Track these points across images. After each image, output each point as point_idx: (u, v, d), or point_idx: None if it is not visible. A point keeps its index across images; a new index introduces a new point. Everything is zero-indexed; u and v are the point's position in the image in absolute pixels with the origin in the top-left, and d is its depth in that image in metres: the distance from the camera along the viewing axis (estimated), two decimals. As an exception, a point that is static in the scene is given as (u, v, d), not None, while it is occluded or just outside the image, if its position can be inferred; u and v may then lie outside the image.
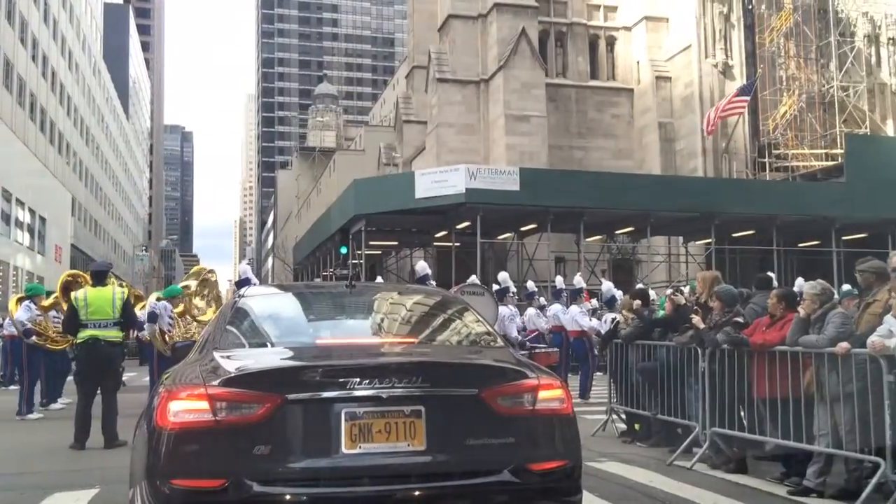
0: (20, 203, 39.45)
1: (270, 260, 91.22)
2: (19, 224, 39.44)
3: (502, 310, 11.64)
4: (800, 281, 9.32)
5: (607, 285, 13.84)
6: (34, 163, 41.95)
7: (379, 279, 24.74)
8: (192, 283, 11.79)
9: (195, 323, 11.12)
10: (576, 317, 12.63)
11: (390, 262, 39.18)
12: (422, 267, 11.62)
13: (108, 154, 70.72)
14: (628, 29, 39.21)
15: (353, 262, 29.96)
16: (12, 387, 15.69)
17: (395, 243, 35.82)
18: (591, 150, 37.71)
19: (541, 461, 3.34)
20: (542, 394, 3.41)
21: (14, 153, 38.31)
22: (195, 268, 12.66)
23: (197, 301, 11.51)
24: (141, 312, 10.78)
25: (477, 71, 36.99)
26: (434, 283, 12.43)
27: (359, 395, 3.17)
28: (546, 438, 3.43)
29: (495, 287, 12.79)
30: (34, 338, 11.07)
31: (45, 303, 11.44)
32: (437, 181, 25.84)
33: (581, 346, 12.60)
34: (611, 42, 39.80)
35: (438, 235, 30.63)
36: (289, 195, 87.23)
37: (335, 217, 32.27)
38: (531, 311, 13.91)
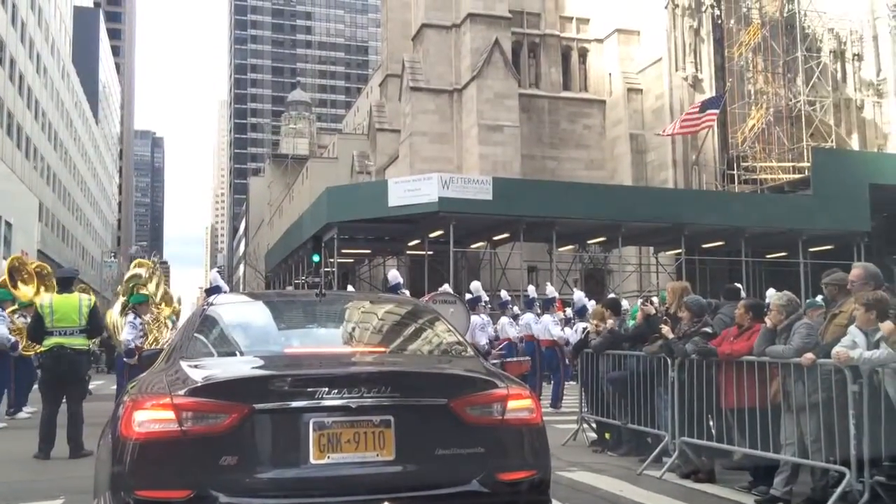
0: (-15, 208, 38.72)
1: (242, 267, 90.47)
2: (-17, 229, 38.66)
3: (474, 319, 11.67)
4: (771, 292, 9.45)
5: (578, 295, 13.95)
6: (0, 167, 41.22)
7: (351, 288, 24.67)
8: (142, 272, 11.81)
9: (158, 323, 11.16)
10: (548, 326, 12.68)
11: (363, 271, 39.06)
12: (393, 276, 11.61)
13: (77, 159, 69.70)
14: (600, 41, 39.63)
15: (326, 270, 29.78)
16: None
17: (368, 251, 35.74)
18: (564, 161, 38.01)
19: (510, 471, 3.35)
20: (512, 403, 3.42)
21: (-21, 157, 37.61)
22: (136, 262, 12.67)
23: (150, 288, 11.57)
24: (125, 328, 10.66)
25: (450, 80, 37.12)
26: (406, 291, 12.43)
27: (327, 404, 3.15)
28: (515, 448, 3.43)
29: (468, 296, 12.81)
30: (20, 347, 10.89)
31: (9, 310, 11.24)
32: (410, 190, 25.87)
33: (553, 356, 12.66)
34: (583, 54, 40.19)
35: (411, 244, 30.62)
36: (261, 202, 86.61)
37: (308, 224, 32.11)
38: (504, 319, 13.95)
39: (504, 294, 15.20)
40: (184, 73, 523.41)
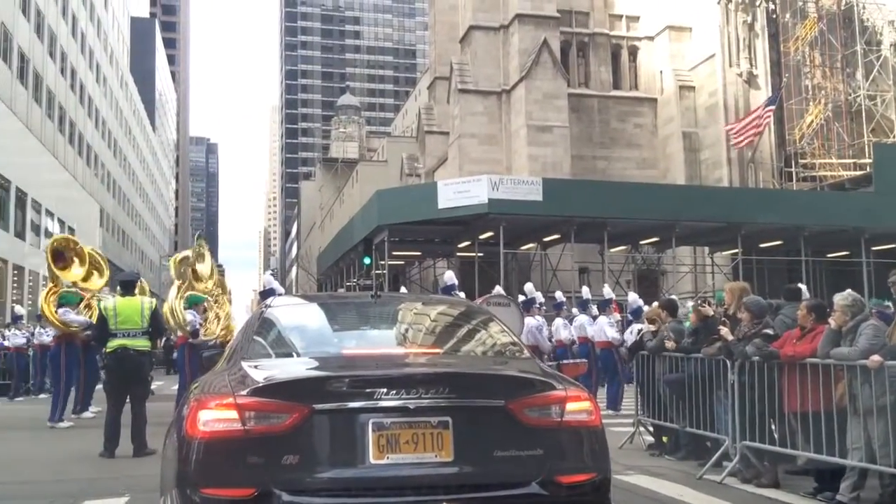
0: (49, 214, 40.08)
1: (294, 270, 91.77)
2: (49, 234, 40.00)
3: (529, 321, 11.59)
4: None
5: (633, 296, 13.73)
6: (63, 174, 42.64)
7: (403, 289, 24.78)
8: (189, 253, 11.98)
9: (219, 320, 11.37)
10: (603, 327, 12.53)
11: (413, 273, 39.23)
12: (448, 277, 11.62)
13: (136, 165, 71.69)
14: (651, 39, 39.09)
15: (377, 272, 30.03)
16: (42, 395, 15.96)
17: (419, 254, 35.87)
18: (615, 161, 37.58)
19: (569, 474, 3.31)
20: (570, 405, 3.39)
21: (43, 165, 38.96)
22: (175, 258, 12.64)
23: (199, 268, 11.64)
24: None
25: (499, 81, 37.04)
26: (462, 294, 12.45)
27: (386, 405, 3.17)
28: (574, 451, 3.40)
29: (521, 298, 12.73)
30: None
31: (83, 304, 11.71)
32: (459, 191, 25.88)
33: (609, 357, 12.49)
34: (633, 52, 39.70)
35: (461, 246, 30.63)
36: (312, 206, 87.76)
37: (358, 227, 32.40)
38: (558, 321, 13.82)
39: (559, 295, 15.04)
40: (237, 80, 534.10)
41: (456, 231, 28.99)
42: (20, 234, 35.80)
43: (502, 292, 12.62)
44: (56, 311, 11.42)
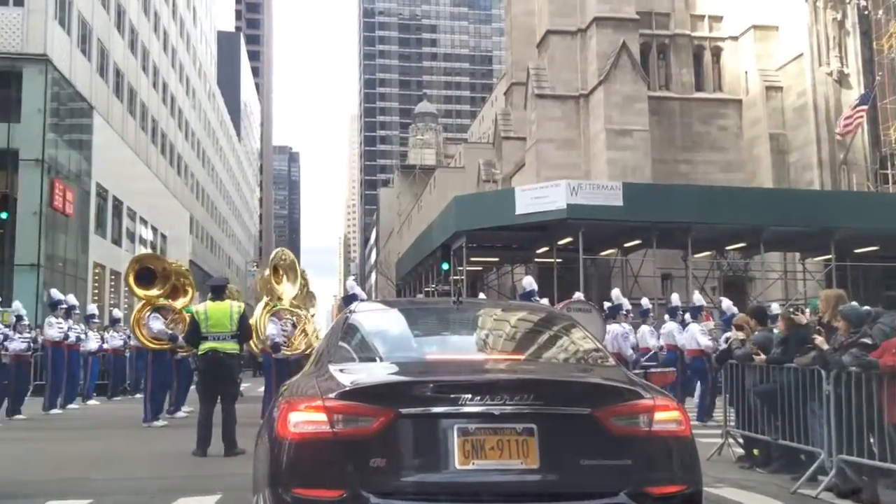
0: (143, 221, 41.95)
1: (374, 276, 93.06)
2: (143, 241, 41.91)
3: (615, 327, 11.38)
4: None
5: (727, 303, 13.25)
6: (155, 183, 44.57)
7: (482, 295, 24.80)
8: (266, 272, 12.15)
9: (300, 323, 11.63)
10: (695, 335, 12.20)
11: (491, 279, 39.20)
12: (528, 282, 11.55)
13: (222, 174, 74.27)
14: (735, 39, 37.96)
15: (455, 278, 30.15)
16: (138, 395, 16.70)
17: (496, 260, 35.84)
18: (698, 164, 36.62)
19: (659, 485, 3.25)
20: (659, 415, 3.33)
21: (138, 175, 40.83)
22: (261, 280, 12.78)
23: (281, 287, 11.77)
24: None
25: (576, 86, 36.67)
26: (545, 300, 12.35)
27: (471, 411, 3.18)
28: (664, 461, 3.33)
29: (608, 304, 12.52)
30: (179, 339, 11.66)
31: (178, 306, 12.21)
32: (537, 197, 25.73)
33: (700, 366, 12.16)
34: (716, 52, 38.65)
35: (539, 251, 30.43)
36: (391, 212, 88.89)
37: (436, 234, 32.62)
38: (645, 328, 13.54)
39: (645, 302, 14.72)
40: (317, 90, 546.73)
41: (534, 237, 28.82)
42: (117, 241, 37.59)
43: (582, 298, 12.43)
44: (146, 317, 11.92)
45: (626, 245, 29.16)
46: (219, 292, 8.96)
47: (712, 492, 6.16)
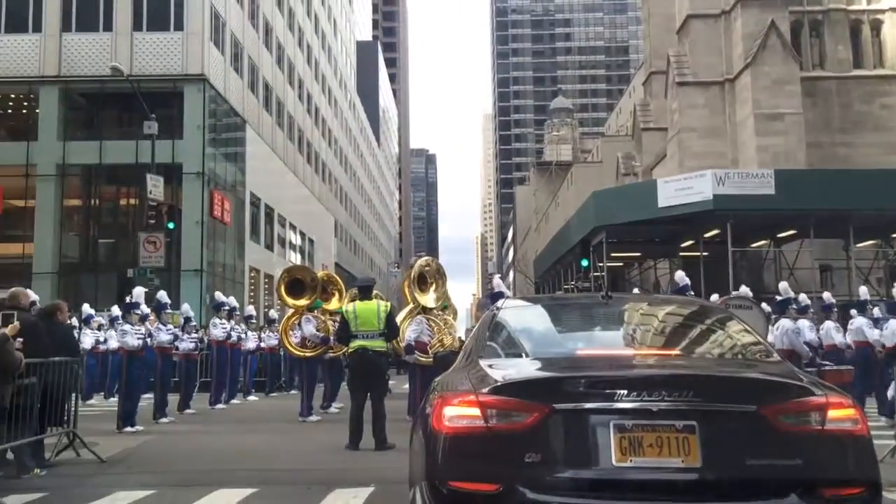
0: (293, 227, 44.19)
1: (511, 274, 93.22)
2: (293, 246, 44.19)
3: (785, 322, 10.73)
4: None
5: None
6: (302, 190, 46.84)
7: (636, 290, 24.22)
8: (409, 280, 12.19)
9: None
10: (863, 329, 11.36)
11: (633, 274, 38.23)
12: (680, 277, 11.15)
13: (363, 179, 76.94)
14: (897, 9, 34.97)
15: (595, 274, 29.65)
16: (292, 391, 17.61)
17: (638, 254, 34.92)
18: (859, 147, 33.98)
19: (834, 486, 3.04)
20: (832, 413, 3.12)
21: (287, 183, 43.05)
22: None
23: (425, 298, 11.84)
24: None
25: (720, 71, 35.06)
26: (713, 296, 11.86)
27: (627, 407, 3.10)
28: (838, 462, 3.11)
29: (778, 298, 11.82)
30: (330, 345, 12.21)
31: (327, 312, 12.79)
32: (681, 188, 24.85)
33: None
34: (876, 26, 35.74)
35: (684, 245, 29.36)
36: (527, 210, 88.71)
37: (575, 230, 32.23)
38: (829, 324, 12.69)
39: (827, 296, 13.79)
40: (451, 92, 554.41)
41: (678, 230, 27.84)
42: (269, 246, 39.80)
43: (748, 293, 11.71)
44: (299, 321, 12.52)
45: (780, 235, 27.56)
46: (366, 292, 9.25)
47: (888, 497, 5.69)
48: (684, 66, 35.73)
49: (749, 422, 3.08)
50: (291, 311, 12.86)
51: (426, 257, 13.29)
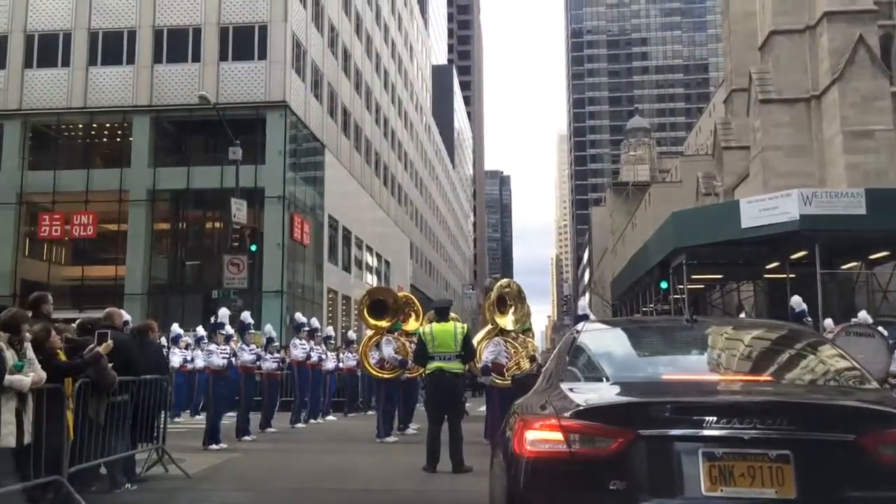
0: (369, 249, 44.84)
1: (587, 295, 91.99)
2: (369, 268, 44.82)
3: None
4: None
5: None
6: (379, 213, 47.55)
7: (742, 315, 23.49)
8: (489, 301, 12.07)
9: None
10: None
11: (715, 296, 37.14)
12: (797, 302, 10.65)
13: (438, 201, 77.55)
14: None
15: (674, 296, 28.95)
16: (369, 412, 17.78)
17: (720, 276, 33.91)
18: (957, 163, 32.22)
19: None
20: None
21: (363, 206, 43.79)
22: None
23: (504, 320, 11.72)
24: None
25: (806, 87, 33.91)
26: (827, 321, 11.36)
27: (716, 434, 3.01)
28: (945, 497, 2.93)
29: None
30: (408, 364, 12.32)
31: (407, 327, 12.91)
32: (765, 209, 24.02)
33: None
34: (975, 36, 33.95)
35: (769, 267, 28.35)
36: (603, 231, 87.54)
37: (653, 251, 31.57)
38: None
39: None
40: (525, 113, 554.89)
41: (762, 251, 26.91)
42: (346, 268, 40.49)
43: (867, 319, 11.04)
44: (378, 342, 12.67)
45: (872, 257, 26.30)
46: (443, 314, 9.28)
47: None
48: (767, 82, 34.73)
49: (847, 452, 2.95)
50: (372, 331, 13.01)
51: (506, 279, 13.23)
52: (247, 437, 12.33)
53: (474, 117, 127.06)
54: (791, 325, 5.16)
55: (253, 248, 25.82)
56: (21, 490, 5.76)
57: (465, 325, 9.35)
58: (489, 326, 12.00)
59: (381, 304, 12.98)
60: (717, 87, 70.51)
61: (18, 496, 5.76)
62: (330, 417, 17.47)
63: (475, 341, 11.76)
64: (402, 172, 57.56)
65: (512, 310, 11.75)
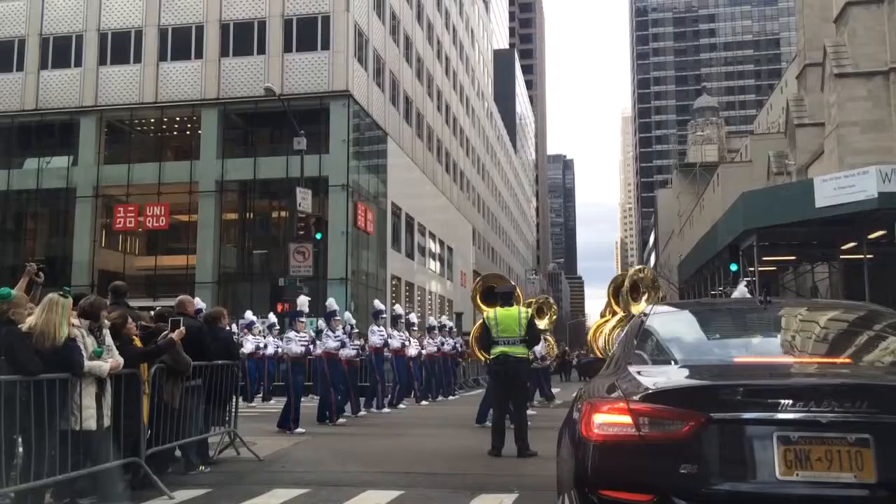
0: (432, 236, 45.03)
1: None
2: (432, 254, 45.04)
3: None
4: None
5: None
6: (441, 199, 47.66)
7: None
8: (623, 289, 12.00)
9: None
10: None
11: (788, 279, 36.03)
12: None
13: (501, 187, 77.23)
14: None
15: (745, 279, 28.15)
16: (451, 397, 17.86)
17: (793, 258, 32.86)
18: None
19: None
20: None
21: (426, 193, 43.96)
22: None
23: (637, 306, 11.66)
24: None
25: (884, 60, 32.39)
26: None
27: (791, 417, 2.93)
28: None
29: None
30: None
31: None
32: (841, 187, 23.14)
33: None
34: None
35: (845, 247, 27.32)
36: (670, 213, 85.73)
37: (722, 233, 30.79)
38: None
39: None
40: (588, 96, 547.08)
41: (838, 231, 25.95)
42: (409, 255, 40.78)
43: None
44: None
45: (956, 236, 25.05)
46: (507, 298, 9.26)
47: None
48: (843, 56, 33.32)
49: None
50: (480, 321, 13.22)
51: (639, 265, 13.18)
52: (328, 423, 12.53)
53: (536, 101, 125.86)
54: (870, 306, 4.95)
55: (318, 236, 26.22)
56: (106, 471, 5.99)
57: (530, 310, 9.31)
58: (620, 314, 11.75)
59: (491, 290, 13.05)
60: (789, 63, 68.08)
61: (107, 476, 6.00)
62: (424, 403, 17.44)
63: (607, 329, 11.62)
64: (464, 159, 57.51)
65: (645, 297, 11.53)
